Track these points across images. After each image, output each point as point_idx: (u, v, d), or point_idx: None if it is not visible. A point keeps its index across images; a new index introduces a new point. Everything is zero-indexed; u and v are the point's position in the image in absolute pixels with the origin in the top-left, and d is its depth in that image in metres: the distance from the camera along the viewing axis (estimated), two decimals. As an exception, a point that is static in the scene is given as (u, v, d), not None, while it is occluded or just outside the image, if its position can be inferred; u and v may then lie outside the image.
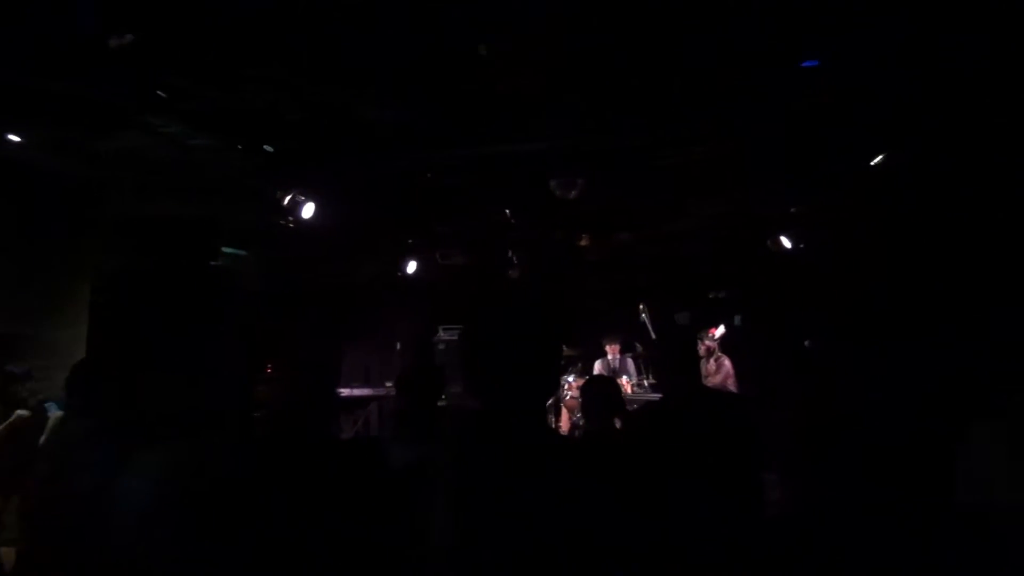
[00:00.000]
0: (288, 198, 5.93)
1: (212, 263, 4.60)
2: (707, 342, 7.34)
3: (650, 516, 2.28)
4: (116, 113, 4.40)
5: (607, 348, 8.40)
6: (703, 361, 6.99)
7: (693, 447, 2.75)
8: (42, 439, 3.98)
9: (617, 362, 8.36)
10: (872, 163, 5.23)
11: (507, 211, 7.37)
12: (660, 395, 3.53)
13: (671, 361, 3.08)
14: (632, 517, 1.69)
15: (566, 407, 7.84)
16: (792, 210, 7.25)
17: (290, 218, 6.25)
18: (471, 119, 4.86)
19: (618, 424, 3.49)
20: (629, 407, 4.64)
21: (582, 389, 3.73)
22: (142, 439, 2.08)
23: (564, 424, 7.74)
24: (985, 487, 1.58)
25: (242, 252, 5.77)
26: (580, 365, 8.54)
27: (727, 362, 7.43)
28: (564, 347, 4.58)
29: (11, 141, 4.71)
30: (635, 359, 8.36)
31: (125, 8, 3.32)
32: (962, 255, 5.50)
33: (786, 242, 7.55)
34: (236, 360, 4.40)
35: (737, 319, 9.05)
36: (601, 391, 3.54)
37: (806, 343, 7.46)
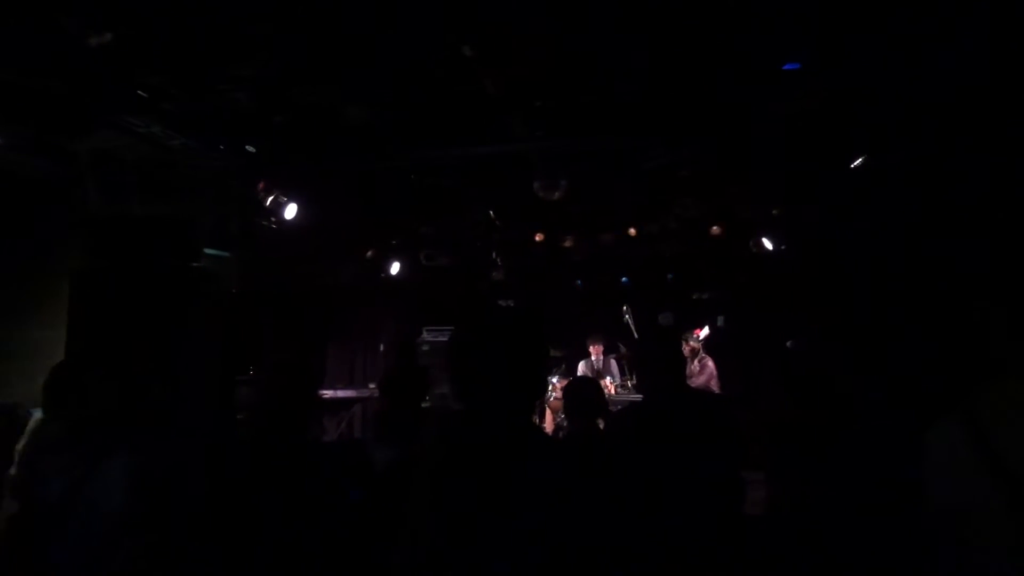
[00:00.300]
0: (270, 199, 5.90)
1: (194, 264, 4.55)
2: (691, 343, 7.38)
3: (634, 516, 2.29)
4: (97, 113, 4.35)
5: (591, 349, 8.42)
6: (687, 362, 7.02)
7: (677, 447, 2.77)
8: (21, 443, 3.92)
9: (601, 363, 8.38)
10: (852, 165, 5.27)
11: (491, 212, 7.38)
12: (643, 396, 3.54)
13: (655, 362, 3.09)
14: (616, 517, 1.69)
15: (550, 408, 7.84)
16: (774, 212, 7.30)
17: (272, 219, 6.22)
18: (455, 120, 4.85)
19: (601, 425, 3.50)
20: (612, 408, 4.65)
21: (564, 390, 3.73)
22: (119, 442, 2.06)
23: (548, 425, 7.74)
24: (965, 487, 1.59)
25: (224, 253, 5.72)
26: (564, 366, 8.55)
27: (711, 363, 7.47)
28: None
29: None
30: (618, 360, 8.38)
31: (106, 7, 3.29)
32: (945, 254, 5.55)
33: (768, 243, 7.60)
34: (218, 363, 4.37)
35: (721, 320, 9.09)
36: (583, 392, 3.54)
37: (788, 344, 7.51)
